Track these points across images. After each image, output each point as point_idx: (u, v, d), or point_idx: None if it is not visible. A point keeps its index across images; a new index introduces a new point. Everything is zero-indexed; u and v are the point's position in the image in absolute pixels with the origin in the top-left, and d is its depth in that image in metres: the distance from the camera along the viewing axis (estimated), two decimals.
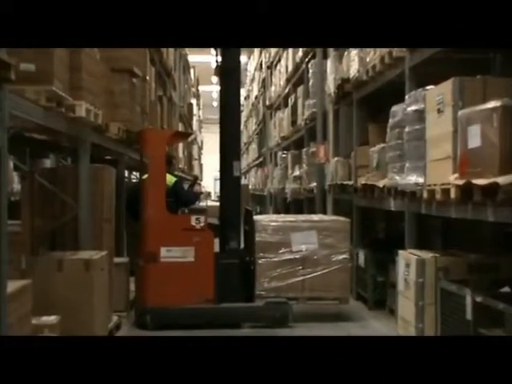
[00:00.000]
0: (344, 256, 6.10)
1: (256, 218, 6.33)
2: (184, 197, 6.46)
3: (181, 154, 15.02)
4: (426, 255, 4.83)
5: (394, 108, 5.63)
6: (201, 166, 31.02)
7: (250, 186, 24.67)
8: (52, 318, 3.89)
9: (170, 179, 6.31)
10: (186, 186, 7.11)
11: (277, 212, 14.86)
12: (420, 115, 4.86)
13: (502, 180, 3.47)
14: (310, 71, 9.82)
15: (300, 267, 6.03)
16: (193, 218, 5.75)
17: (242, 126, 24.30)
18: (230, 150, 6.07)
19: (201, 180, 30.44)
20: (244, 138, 28.66)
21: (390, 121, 5.70)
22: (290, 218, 6.49)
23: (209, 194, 29.38)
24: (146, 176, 5.96)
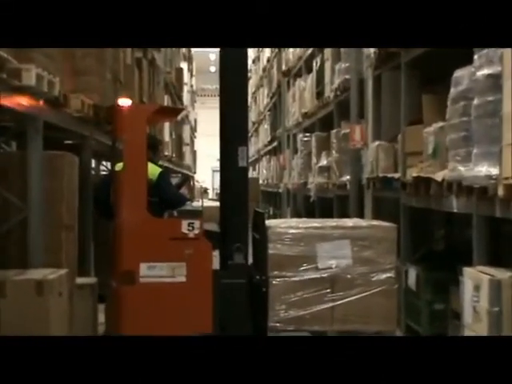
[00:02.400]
0: (388, 275, 6.05)
1: (269, 222, 6.28)
2: (170, 195, 6.41)
3: (167, 138, 15.01)
4: (503, 275, 4.77)
5: (458, 73, 5.57)
6: (194, 153, 31.13)
7: (261, 181, 24.70)
8: None
9: (153, 171, 6.28)
10: (173, 182, 7.06)
11: (297, 215, 14.84)
12: (494, 82, 4.78)
13: None
14: None
15: (329, 290, 5.99)
16: (184, 224, 5.71)
17: (249, 100, 24.37)
18: (233, 132, 6.02)
19: (194, 172, 30.59)
20: (252, 116, 28.70)
21: (452, 90, 5.65)
22: (315, 223, 6.44)
23: (205, 191, 29.49)
24: (119, 166, 5.91)
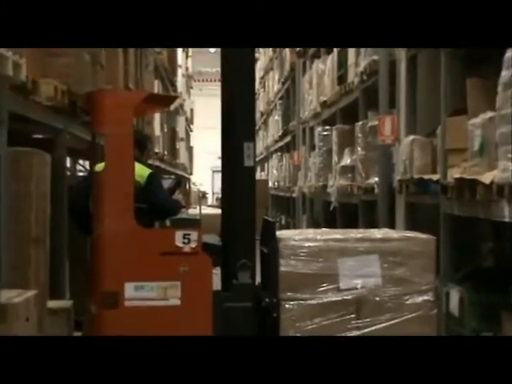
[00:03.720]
0: (425, 297, 6.04)
1: (281, 234, 6.27)
2: (162, 200, 6.40)
3: (158, 132, 15.03)
4: None
5: (511, 52, 5.55)
6: (190, 150, 31.18)
7: (271, 183, 24.70)
8: None
9: (141, 172, 6.28)
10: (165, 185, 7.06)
11: (314, 225, 14.82)
12: None
13: None
14: None
15: (353, 315, 5.98)
16: (178, 235, 5.72)
17: (257, 85, 24.34)
18: (238, 125, 6.02)
19: (190, 173, 30.61)
20: (260, 105, 28.69)
21: (504, 73, 5.64)
22: (336, 234, 6.43)
23: (204, 196, 29.52)
24: (100, 166, 5.91)
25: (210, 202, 34.62)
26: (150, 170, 6.50)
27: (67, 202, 6.85)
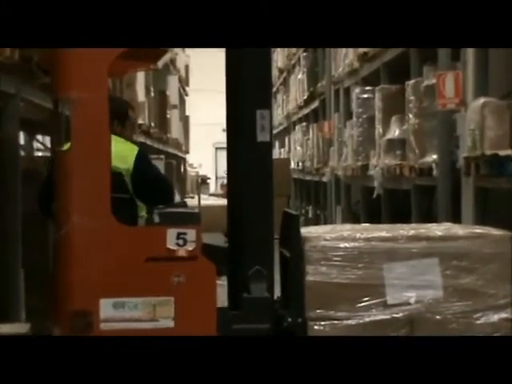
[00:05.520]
0: (503, 315, 6.08)
1: (307, 231, 6.29)
2: (157, 178, 6.42)
3: (142, 97, 15.06)
4: None
5: None
6: (185, 120, 31.21)
7: (293, 164, 24.72)
8: None
9: (124, 152, 6.27)
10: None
11: (352, 218, 14.84)
12: None
13: None
14: None
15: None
16: (171, 235, 5.74)
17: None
18: (248, 87, 6.02)
19: (186, 151, 30.64)
20: (278, 60, 28.66)
21: None
22: (382, 231, 6.44)
23: (204, 182, 29.55)
24: (66, 146, 5.94)
25: (212, 189, 34.70)
26: (137, 148, 6.49)
27: (24, 192, 6.88)
